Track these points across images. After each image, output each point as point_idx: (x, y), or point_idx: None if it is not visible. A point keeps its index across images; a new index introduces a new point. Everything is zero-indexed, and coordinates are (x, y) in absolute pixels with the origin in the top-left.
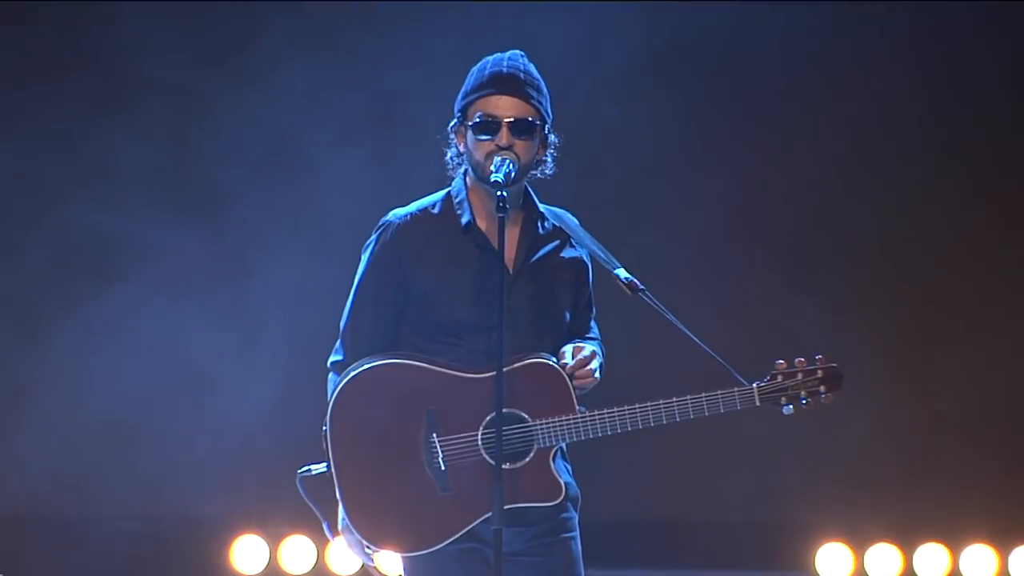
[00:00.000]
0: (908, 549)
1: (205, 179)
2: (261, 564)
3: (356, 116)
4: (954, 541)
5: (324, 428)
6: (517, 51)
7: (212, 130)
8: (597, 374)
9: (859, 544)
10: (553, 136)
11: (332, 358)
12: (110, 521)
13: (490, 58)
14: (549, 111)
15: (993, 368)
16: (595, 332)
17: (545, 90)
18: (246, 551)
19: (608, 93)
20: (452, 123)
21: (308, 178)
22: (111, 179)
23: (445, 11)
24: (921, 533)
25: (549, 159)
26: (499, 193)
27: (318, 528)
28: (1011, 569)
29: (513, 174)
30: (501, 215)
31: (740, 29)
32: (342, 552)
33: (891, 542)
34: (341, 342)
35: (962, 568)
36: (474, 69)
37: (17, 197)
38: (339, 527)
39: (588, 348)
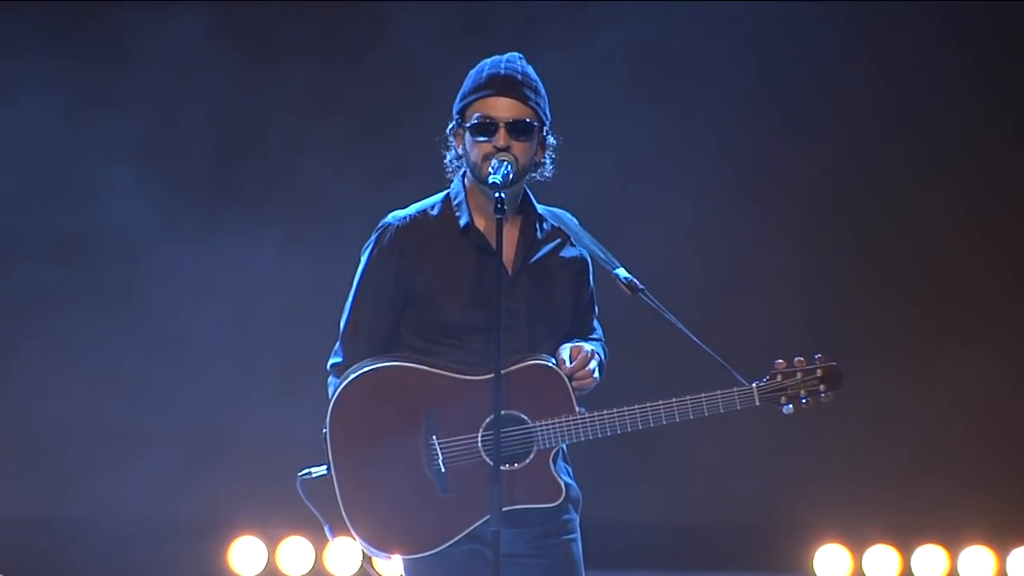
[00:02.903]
0: (906, 550)
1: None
2: (259, 565)
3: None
4: (952, 542)
5: (324, 431)
6: (515, 53)
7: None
8: (597, 374)
9: (857, 545)
10: (552, 138)
11: (332, 360)
12: (108, 522)
13: (488, 60)
14: (547, 113)
15: (992, 368)
16: (598, 332)
17: (543, 92)
18: (244, 552)
19: (608, 93)
20: (450, 125)
21: None
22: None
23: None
24: (919, 534)
25: (548, 161)
26: (497, 195)
27: (316, 529)
28: (1009, 570)
29: (511, 175)
30: (499, 216)
31: (737, 28)
32: (340, 553)
33: (889, 543)
34: (340, 344)
35: (960, 569)
36: (472, 71)
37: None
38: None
39: (587, 348)
